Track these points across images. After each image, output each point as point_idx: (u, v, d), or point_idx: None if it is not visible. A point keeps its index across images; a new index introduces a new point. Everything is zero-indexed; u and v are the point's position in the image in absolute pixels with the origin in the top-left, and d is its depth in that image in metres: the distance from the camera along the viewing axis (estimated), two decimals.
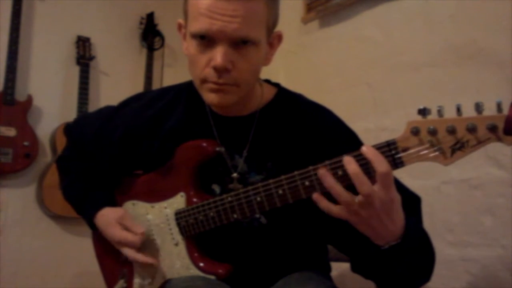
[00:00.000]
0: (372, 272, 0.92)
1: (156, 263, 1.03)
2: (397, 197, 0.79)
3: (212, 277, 0.96)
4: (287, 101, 1.06)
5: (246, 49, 0.90)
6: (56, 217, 2.40)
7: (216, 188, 1.03)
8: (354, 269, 0.96)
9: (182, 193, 1.01)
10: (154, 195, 1.05)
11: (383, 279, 0.91)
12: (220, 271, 0.96)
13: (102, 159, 1.15)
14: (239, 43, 0.89)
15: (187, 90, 1.09)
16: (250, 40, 0.89)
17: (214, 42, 0.89)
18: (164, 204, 1.04)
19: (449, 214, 1.46)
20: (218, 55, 0.88)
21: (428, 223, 1.47)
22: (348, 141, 1.02)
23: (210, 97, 0.94)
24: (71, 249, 2.42)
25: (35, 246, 2.36)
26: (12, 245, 2.29)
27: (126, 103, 1.17)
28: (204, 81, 0.92)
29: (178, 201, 1.01)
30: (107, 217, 1.08)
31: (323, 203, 0.80)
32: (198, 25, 0.89)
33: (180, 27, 1.00)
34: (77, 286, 2.43)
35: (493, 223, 1.35)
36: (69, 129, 1.26)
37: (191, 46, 0.93)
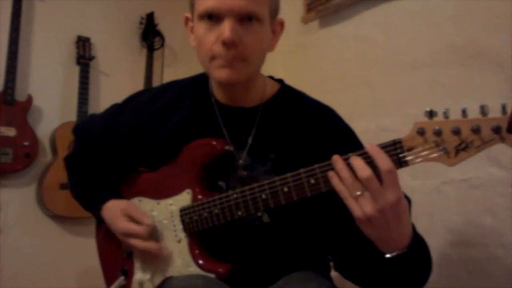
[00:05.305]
0: (365, 277, 0.93)
1: (164, 252, 1.02)
2: (403, 200, 0.78)
3: (212, 275, 0.96)
4: (290, 96, 1.09)
5: (251, 25, 0.94)
6: (56, 217, 2.40)
7: (222, 184, 1.04)
8: (337, 268, 0.98)
9: (188, 190, 1.02)
10: (161, 192, 1.06)
11: (375, 286, 0.91)
12: (220, 270, 0.96)
13: (109, 154, 1.16)
14: (245, 20, 0.93)
15: (193, 83, 1.13)
16: (255, 16, 0.94)
17: (221, 20, 0.92)
18: (169, 201, 1.04)
19: (449, 214, 1.46)
20: (226, 29, 0.91)
21: (428, 223, 1.47)
22: (348, 138, 1.05)
23: (219, 74, 0.96)
24: (71, 249, 2.43)
25: (35, 246, 2.36)
26: (12, 245, 2.29)
27: (132, 98, 1.19)
28: (213, 58, 0.95)
29: (184, 198, 1.02)
30: (112, 209, 1.09)
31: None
32: (206, 3, 0.93)
33: (187, 20, 1.05)
34: (77, 286, 2.43)
35: (493, 223, 1.35)
36: (77, 128, 1.29)
37: (199, 28, 0.96)
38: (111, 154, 1.16)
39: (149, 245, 1.01)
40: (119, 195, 1.14)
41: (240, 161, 1.02)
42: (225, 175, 1.03)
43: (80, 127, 1.29)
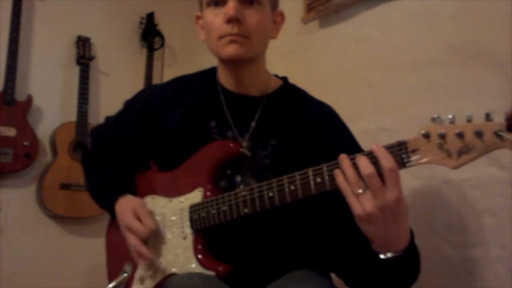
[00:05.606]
0: (355, 276, 0.95)
1: (153, 262, 1.03)
2: (404, 201, 0.80)
3: (212, 273, 0.97)
4: (292, 91, 1.17)
5: (253, 8, 1.05)
6: (56, 217, 2.40)
7: (229, 172, 1.07)
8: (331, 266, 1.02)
9: (200, 188, 1.04)
10: (174, 190, 1.08)
11: (364, 284, 0.93)
12: (221, 268, 0.97)
13: (121, 146, 1.21)
14: (246, 3, 1.04)
15: (201, 75, 1.21)
16: (256, 0, 1.05)
17: (226, 3, 1.04)
18: (181, 198, 1.06)
19: (449, 214, 1.46)
20: (230, 8, 1.02)
21: (428, 223, 1.47)
22: (343, 135, 1.11)
23: (227, 50, 1.04)
24: (71, 249, 2.42)
25: (35, 246, 2.36)
26: (12, 245, 2.29)
27: (141, 92, 1.28)
28: (220, 37, 1.05)
29: (195, 196, 1.04)
30: (126, 204, 1.11)
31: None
32: None
33: (197, 18, 1.17)
34: (77, 286, 2.43)
35: (493, 223, 1.35)
36: (93, 129, 1.37)
37: (208, 15, 1.08)
38: (123, 139, 1.21)
39: (141, 247, 1.02)
40: (133, 189, 1.17)
41: (244, 144, 1.07)
42: (232, 163, 1.06)
43: (96, 128, 1.36)
